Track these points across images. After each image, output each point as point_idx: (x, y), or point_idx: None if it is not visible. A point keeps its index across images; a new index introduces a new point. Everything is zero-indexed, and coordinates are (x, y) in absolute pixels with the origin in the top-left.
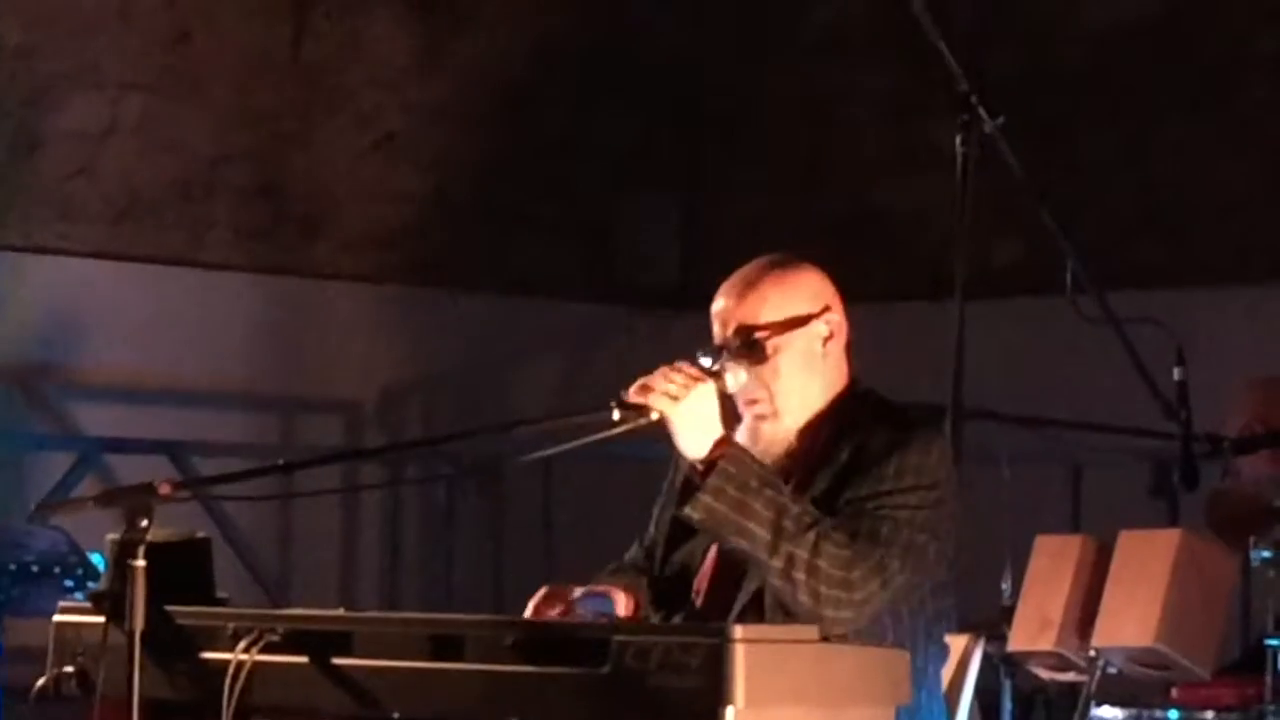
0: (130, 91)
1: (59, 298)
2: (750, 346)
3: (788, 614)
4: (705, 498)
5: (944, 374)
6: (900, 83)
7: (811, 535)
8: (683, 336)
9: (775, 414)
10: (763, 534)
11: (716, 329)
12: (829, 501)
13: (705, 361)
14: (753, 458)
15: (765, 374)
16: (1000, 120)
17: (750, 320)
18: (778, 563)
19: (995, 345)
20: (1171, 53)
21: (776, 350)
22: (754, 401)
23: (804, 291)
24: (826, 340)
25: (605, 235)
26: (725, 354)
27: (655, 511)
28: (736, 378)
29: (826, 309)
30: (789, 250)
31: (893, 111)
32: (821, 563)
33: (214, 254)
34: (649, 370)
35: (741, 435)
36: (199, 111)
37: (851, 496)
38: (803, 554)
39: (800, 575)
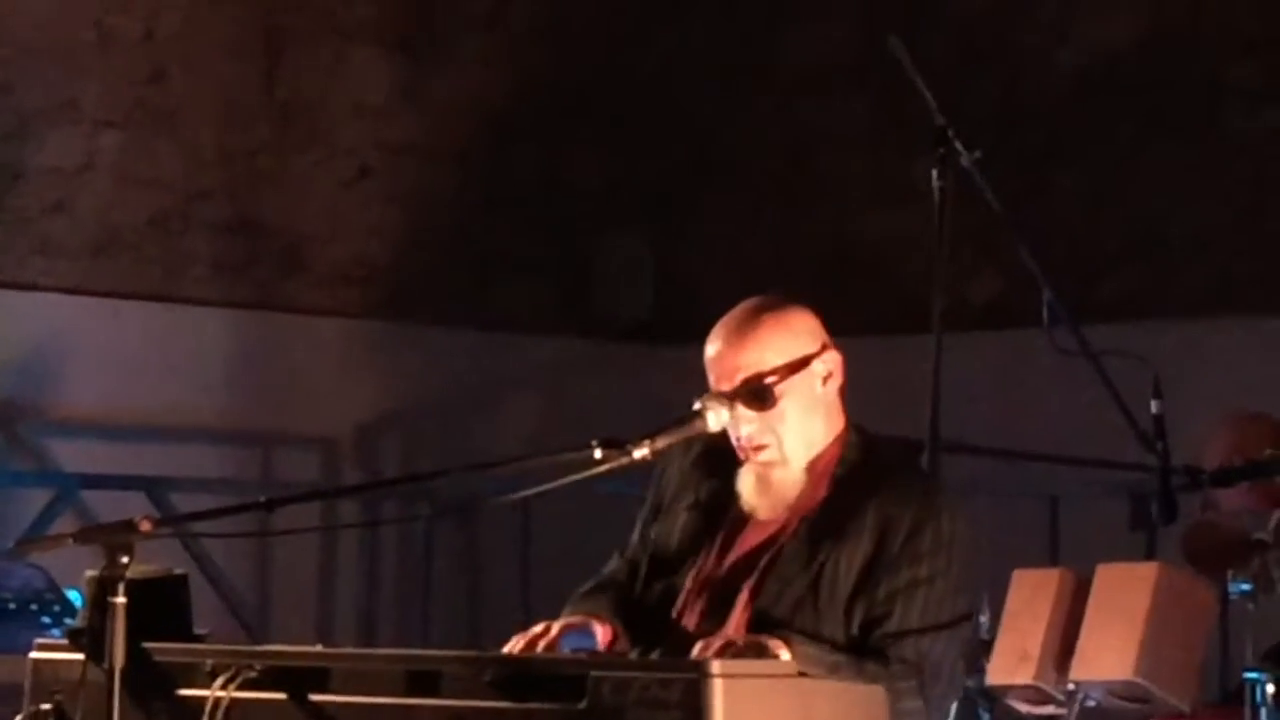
0: (107, 127)
1: (36, 333)
2: (758, 395)
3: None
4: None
5: (922, 407)
6: (877, 117)
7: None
8: (659, 371)
9: (785, 460)
10: None
11: (714, 377)
12: (869, 575)
13: (697, 406)
14: (814, 648)
15: (773, 419)
16: (977, 154)
17: (757, 367)
18: None
19: (973, 378)
20: (1148, 86)
21: (782, 394)
22: (761, 447)
23: (803, 331)
24: (826, 379)
25: (582, 271)
26: (728, 402)
27: (639, 526)
28: (719, 417)
29: (825, 347)
30: (767, 286)
31: (870, 146)
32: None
33: (191, 289)
34: (628, 404)
35: (747, 478)
36: (176, 147)
37: (895, 587)
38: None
39: None
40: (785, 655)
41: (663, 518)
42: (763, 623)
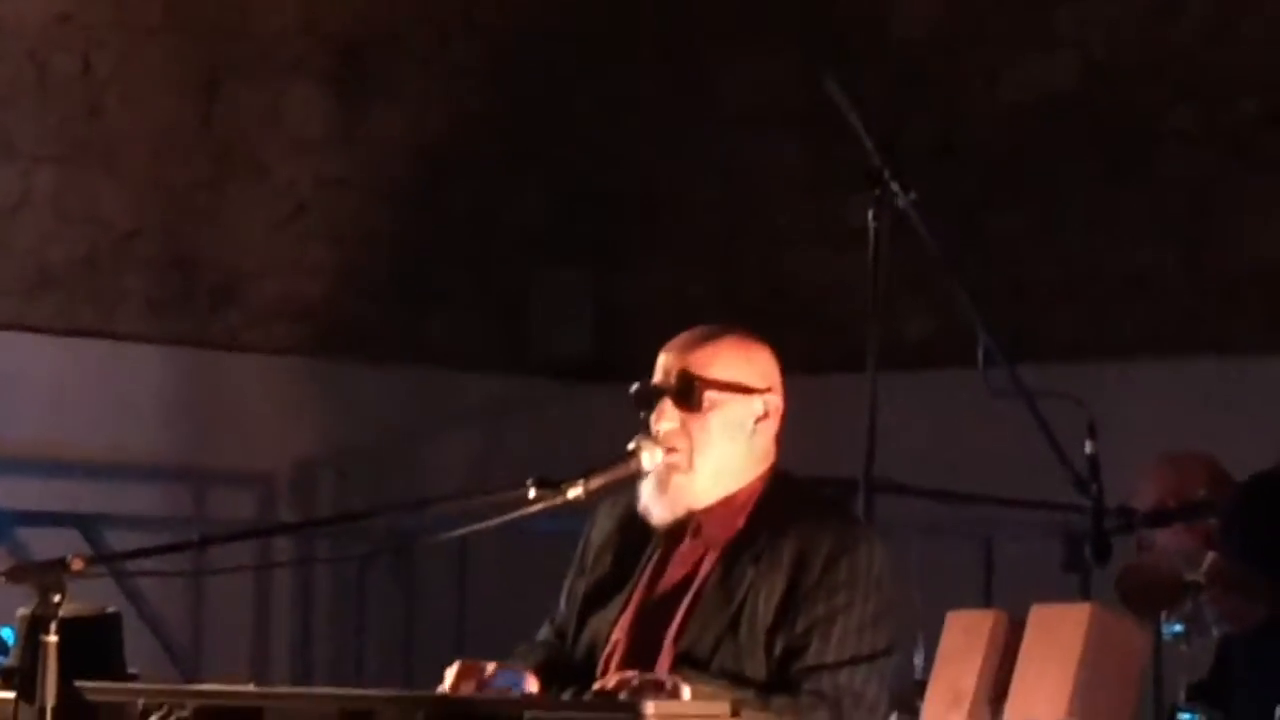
0: (42, 164)
1: None
2: (687, 392)
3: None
4: None
5: (856, 446)
6: (814, 157)
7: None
8: (597, 410)
9: (690, 467)
10: None
11: (659, 373)
12: (786, 607)
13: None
14: (712, 686)
15: (692, 425)
16: (913, 195)
17: (696, 369)
18: None
19: (907, 418)
20: (1084, 128)
21: (711, 406)
22: (672, 450)
23: (756, 366)
24: (760, 419)
25: (520, 309)
26: (660, 396)
27: (566, 587)
28: (653, 456)
29: (769, 390)
30: (706, 324)
31: (806, 186)
32: None
33: (126, 326)
34: (565, 443)
35: (649, 482)
36: (111, 184)
37: (813, 618)
38: None
39: None
40: (685, 693)
41: (587, 575)
42: (686, 664)
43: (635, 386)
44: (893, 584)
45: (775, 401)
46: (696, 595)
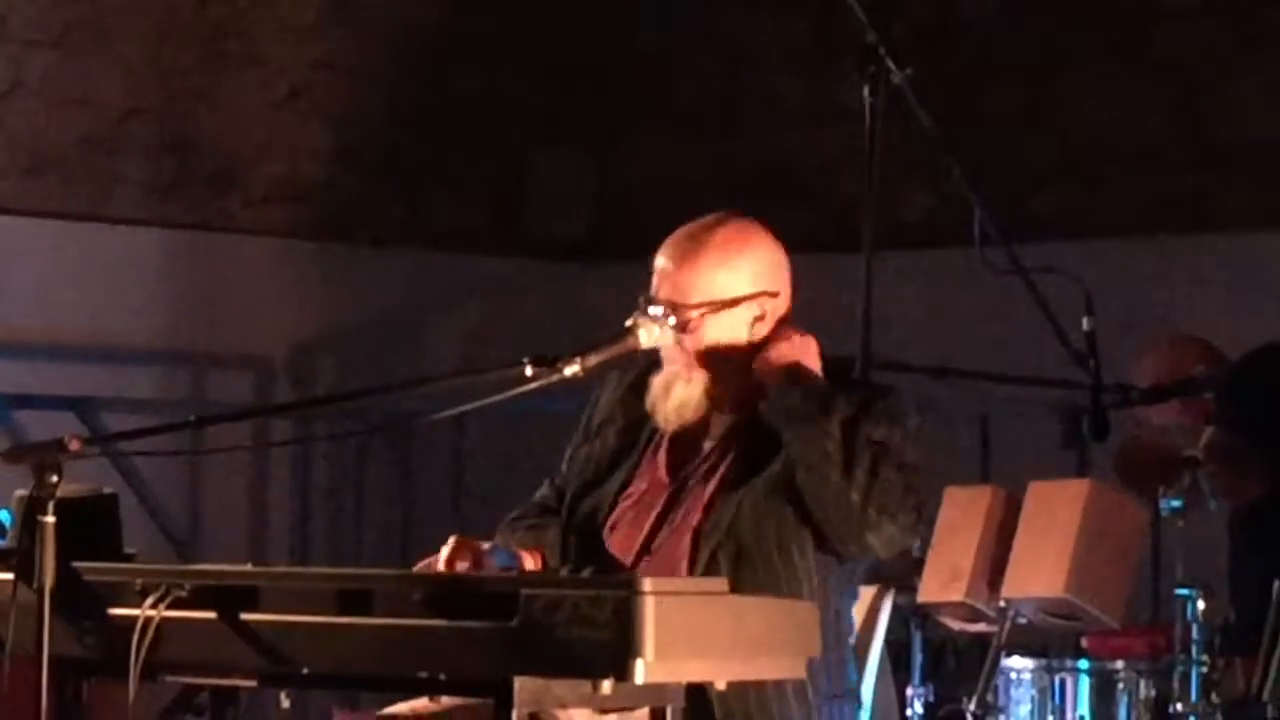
0: (36, 47)
1: None
2: (674, 317)
3: (734, 569)
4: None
5: (854, 325)
6: (809, 35)
7: (873, 456)
8: (595, 290)
9: (689, 377)
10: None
11: (655, 283)
12: None
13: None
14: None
15: (685, 341)
16: (908, 71)
17: (682, 296)
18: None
19: (904, 297)
20: (1081, 2)
21: (698, 325)
22: (671, 360)
23: (741, 272)
24: (756, 321)
25: (517, 190)
26: (657, 311)
27: (569, 450)
28: (650, 334)
29: (764, 294)
30: (703, 204)
31: (802, 64)
32: (889, 476)
33: (122, 209)
34: (563, 324)
35: (657, 383)
36: (106, 67)
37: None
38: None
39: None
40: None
41: (590, 441)
42: (704, 531)
43: (633, 319)
44: (926, 447)
45: (771, 304)
46: (710, 468)
